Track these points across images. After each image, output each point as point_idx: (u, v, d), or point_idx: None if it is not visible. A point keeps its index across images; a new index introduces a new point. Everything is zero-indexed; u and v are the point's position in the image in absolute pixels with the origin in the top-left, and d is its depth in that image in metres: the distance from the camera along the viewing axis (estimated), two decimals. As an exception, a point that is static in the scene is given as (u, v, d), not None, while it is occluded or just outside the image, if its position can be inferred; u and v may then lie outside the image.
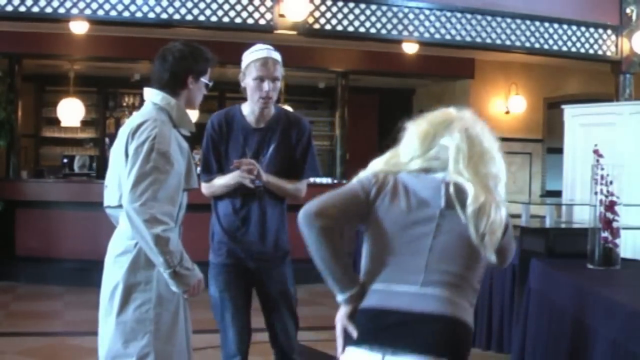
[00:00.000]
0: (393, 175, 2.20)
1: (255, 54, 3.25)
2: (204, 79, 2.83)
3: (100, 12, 6.57)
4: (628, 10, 8.03)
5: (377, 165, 2.26)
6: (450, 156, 2.12)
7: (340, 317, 2.19)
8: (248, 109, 3.33)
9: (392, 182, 2.18)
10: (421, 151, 2.17)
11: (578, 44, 7.98)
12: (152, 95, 2.77)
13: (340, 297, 2.19)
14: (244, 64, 3.28)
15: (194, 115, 8.39)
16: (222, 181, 3.31)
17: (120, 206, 2.64)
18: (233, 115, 3.34)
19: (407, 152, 2.20)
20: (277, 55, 3.28)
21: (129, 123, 2.72)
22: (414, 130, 2.22)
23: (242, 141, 3.29)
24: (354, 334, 2.12)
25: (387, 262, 2.14)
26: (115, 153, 2.73)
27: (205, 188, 3.36)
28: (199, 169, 3.40)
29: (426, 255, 2.10)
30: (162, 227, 2.52)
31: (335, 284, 2.16)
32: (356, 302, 2.16)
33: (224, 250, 3.33)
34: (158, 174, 2.56)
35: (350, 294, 2.17)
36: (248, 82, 3.25)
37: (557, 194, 6.90)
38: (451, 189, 2.10)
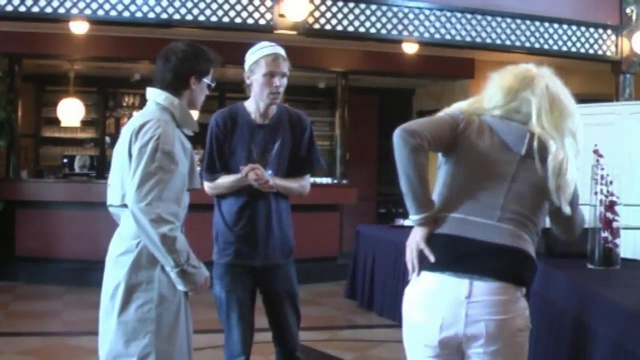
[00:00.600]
0: (477, 116, 2.36)
1: (265, 50, 3.27)
2: (207, 80, 2.83)
3: (100, 12, 6.58)
4: (628, 10, 8.03)
5: (460, 106, 2.41)
6: (534, 110, 2.30)
7: (417, 240, 2.27)
8: (253, 106, 3.34)
9: (478, 121, 2.34)
10: (504, 102, 2.34)
11: (578, 44, 7.98)
12: (154, 95, 2.77)
13: (416, 217, 2.27)
14: (251, 60, 3.28)
15: (194, 115, 8.42)
16: (227, 182, 3.31)
17: (123, 205, 2.64)
18: (237, 113, 3.34)
19: (490, 101, 2.37)
20: (284, 52, 3.31)
21: (132, 123, 2.72)
22: (498, 82, 2.38)
23: (248, 138, 3.30)
24: (432, 258, 2.24)
25: (467, 194, 2.30)
26: (118, 152, 2.73)
27: (209, 188, 3.36)
28: (199, 168, 3.40)
29: (503, 195, 2.28)
30: (169, 227, 2.53)
31: (415, 202, 2.26)
32: (430, 225, 2.27)
33: (230, 250, 3.32)
34: (163, 174, 2.56)
35: (427, 214, 2.26)
36: (256, 78, 3.26)
37: (557, 194, 6.90)
38: (535, 141, 2.28)
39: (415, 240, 2.29)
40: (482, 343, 2.22)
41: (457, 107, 2.41)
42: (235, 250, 3.32)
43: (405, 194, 2.27)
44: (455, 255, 2.24)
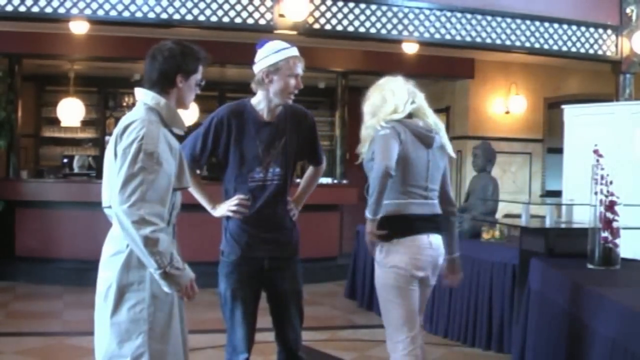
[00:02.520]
0: (399, 124, 3.33)
1: (290, 50, 3.33)
2: (195, 78, 2.82)
3: (100, 12, 6.58)
4: (628, 10, 8.03)
5: (380, 118, 3.36)
6: (426, 111, 3.47)
7: (373, 229, 3.27)
8: (263, 103, 3.34)
9: (407, 130, 3.33)
10: (403, 108, 3.40)
11: (578, 44, 7.98)
12: (142, 96, 2.76)
13: (374, 217, 3.25)
14: (276, 58, 3.28)
15: (193, 115, 8.42)
16: (195, 194, 3.36)
17: (111, 206, 2.63)
18: (243, 109, 3.34)
19: (397, 108, 3.39)
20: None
21: (119, 124, 2.72)
22: (394, 91, 3.44)
23: (254, 134, 3.30)
24: (385, 233, 3.30)
25: (407, 185, 3.34)
26: (107, 153, 2.73)
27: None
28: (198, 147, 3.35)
29: (425, 180, 3.39)
30: (151, 228, 2.51)
31: (377, 208, 3.23)
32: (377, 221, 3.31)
33: (237, 249, 3.32)
34: (146, 175, 2.55)
35: (380, 215, 3.28)
36: (280, 77, 3.28)
37: (557, 194, 6.89)
38: (434, 135, 3.42)
39: (372, 230, 3.28)
40: (436, 272, 3.46)
41: (380, 120, 3.34)
42: (242, 248, 3.31)
43: (373, 202, 3.22)
44: (417, 226, 3.35)
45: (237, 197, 3.29)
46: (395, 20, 7.32)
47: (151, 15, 6.65)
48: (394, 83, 3.47)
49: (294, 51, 3.34)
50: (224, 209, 3.32)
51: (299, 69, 3.33)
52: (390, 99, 3.39)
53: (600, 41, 8.05)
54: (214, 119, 3.32)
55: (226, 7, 6.81)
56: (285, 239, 3.38)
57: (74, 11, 6.52)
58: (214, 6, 6.79)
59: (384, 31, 7.33)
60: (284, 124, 3.36)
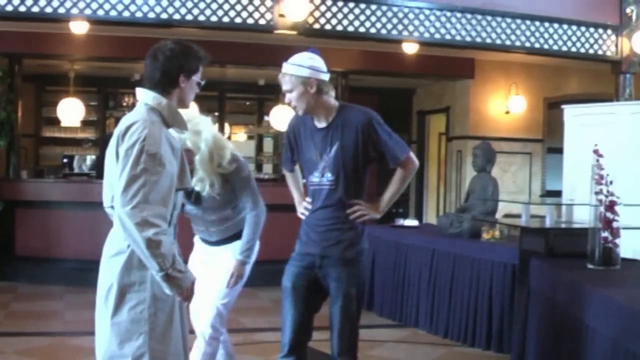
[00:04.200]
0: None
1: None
2: (196, 78, 2.82)
3: (100, 12, 6.58)
4: (628, 10, 8.03)
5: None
6: None
7: None
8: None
9: None
10: None
11: (578, 44, 7.98)
12: (143, 96, 2.76)
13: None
14: None
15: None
16: (292, 191, 3.69)
17: (113, 207, 2.64)
18: (306, 117, 3.45)
19: None
20: (288, 68, 3.36)
21: (120, 124, 2.71)
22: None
23: (311, 140, 3.43)
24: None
25: None
26: (108, 154, 2.73)
27: (287, 176, 3.74)
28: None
29: None
30: (154, 230, 2.51)
31: None
32: None
33: (298, 245, 3.49)
34: (149, 176, 2.55)
35: None
36: None
37: (557, 194, 6.89)
38: None
39: None
40: None
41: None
42: (302, 244, 3.47)
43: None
44: None
45: (306, 199, 3.51)
46: (395, 20, 7.32)
47: (151, 15, 6.65)
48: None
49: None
50: (299, 209, 3.58)
51: (284, 86, 3.37)
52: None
53: (600, 41, 8.05)
54: (288, 127, 3.59)
55: (226, 7, 6.81)
56: (333, 242, 3.41)
57: (74, 11, 6.52)
58: (214, 6, 6.79)
59: (384, 31, 7.33)
60: (336, 129, 3.39)
